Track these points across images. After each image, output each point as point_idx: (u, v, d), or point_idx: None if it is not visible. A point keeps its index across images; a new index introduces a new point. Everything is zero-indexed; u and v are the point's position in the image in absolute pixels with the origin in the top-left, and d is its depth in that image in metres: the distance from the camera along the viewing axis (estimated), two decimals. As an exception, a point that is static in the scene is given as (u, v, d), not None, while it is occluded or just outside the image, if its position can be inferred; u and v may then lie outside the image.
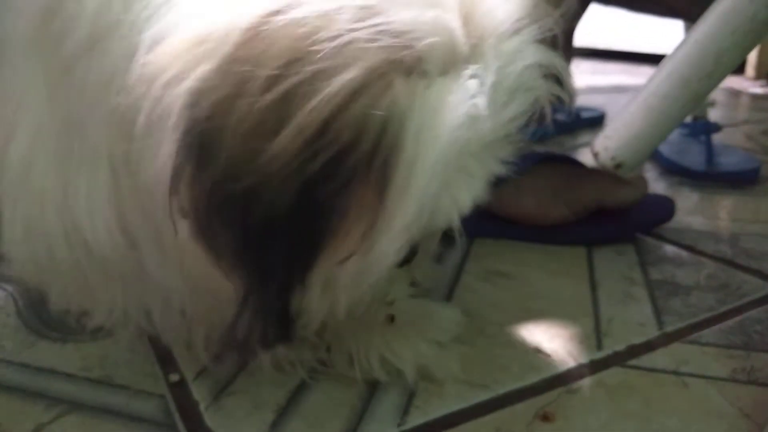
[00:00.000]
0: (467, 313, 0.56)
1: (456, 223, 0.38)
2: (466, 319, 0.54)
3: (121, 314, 0.46)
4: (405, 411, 0.45)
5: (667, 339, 0.55)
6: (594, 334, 0.55)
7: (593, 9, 1.14)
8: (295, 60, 0.31)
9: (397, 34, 0.32)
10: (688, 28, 1.20)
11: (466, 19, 0.34)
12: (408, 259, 0.46)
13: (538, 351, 0.53)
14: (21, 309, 0.56)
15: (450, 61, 0.34)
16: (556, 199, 0.72)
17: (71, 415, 0.44)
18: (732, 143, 1.17)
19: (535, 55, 0.37)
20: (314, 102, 0.30)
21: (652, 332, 0.56)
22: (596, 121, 1.29)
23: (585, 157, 0.82)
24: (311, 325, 0.40)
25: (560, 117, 1.23)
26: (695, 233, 0.78)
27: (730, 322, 0.58)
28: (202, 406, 0.45)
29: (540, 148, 1.08)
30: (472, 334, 0.54)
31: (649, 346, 0.54)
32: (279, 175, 0.31)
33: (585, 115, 1.27)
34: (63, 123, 0.41)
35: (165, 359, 0.50)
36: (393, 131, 0.32)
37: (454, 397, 0.47)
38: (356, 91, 0.31)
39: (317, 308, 0.38)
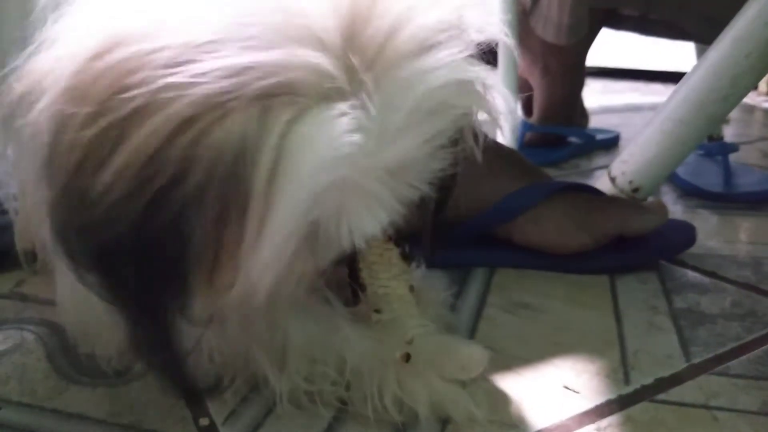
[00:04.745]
0: (492, 348, 0.55)
1: (360, 246, 0.38)
2: (491, 354, 0.54)
3: None
4: (435, 453, 0.45)
5: (695, 371, 0.55)
6: (621, 367, 0.55)
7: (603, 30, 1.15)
8: (115, 96, 0.32)
9: (240, 71, 0.31)
10: (699, 48, 1.20)
11: (348, 45, 0.33)
12: (351, 263, 0.48)
13: (566, 387, 0.52)
14: (51, 353, 0.57)
15: (315, 92, 0.33)
16: (577, 227, 0.72)
17: (104, 463, 0.44)
18: (748, 161, 1.17)
19: (450, 73, 0.35)
20: (134, 137, 0.31)
21: (679, 364, 0.56)
22: (611, 143, 1.29)
23: (601, 180, 0.83)
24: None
25: (575, 139, 1.23)
26: (717, 258, 0.78)
27: (758, 352, 0.58)
28: (232, 451, 0.45)
29: (556, 174, 1.08)
30: (498, 370, 0.54)
31: (677, 379, 0.54)
32: (110, 209, 0.32)
33: (600, 137, 1.27)
34: None
35: (194, 402, 0.50)
36: (228, 162, 0.32)
37: (484, 438, 0.47)
38: (181, 124, 0.31)
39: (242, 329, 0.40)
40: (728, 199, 0.98)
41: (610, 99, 1.80)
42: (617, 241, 0.72)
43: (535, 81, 1.17)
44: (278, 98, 0.32)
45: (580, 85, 1.24)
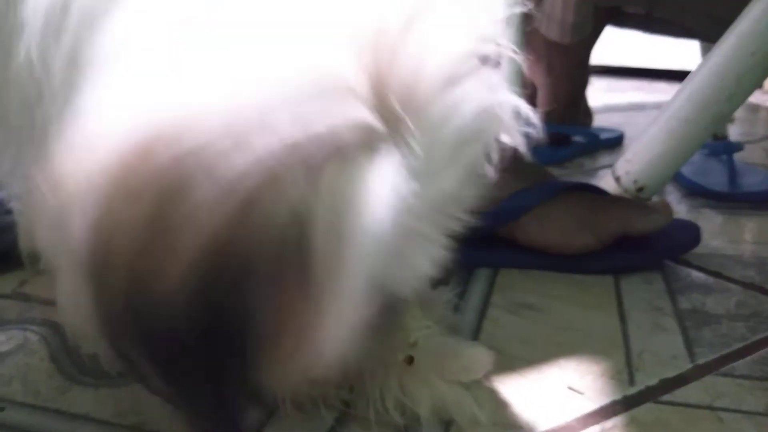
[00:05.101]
0: (495, 349, 0.55)
1: (418, 289, 0.37)
2: (495, 355, 0.54)
3: None
4: (439, 454, 0.45)
5: (699, 372, 0.55)
6: (626, 368, 0.55)
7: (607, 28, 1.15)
8: (168, 194, 0.30)
9: (284, 140, 0.30)
10: (704, 47, 1.20)
11: (378, 90, 0.33)
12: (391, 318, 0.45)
13: (570, 388, 0.52)
14: (54, 353, 0.57)
15: (359, 145, 0.32)
16: (582, 227, 0.72)
17: (107, 464, 0.44)
18: (753, 160, 1.16)
19: (480, 102, 0.35)
20: (195, 234, 0.29)
21: (684, 365, 0.55)
22: (615, 142, 1.28)
23: (605, 179, 0.82)
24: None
25: (579, 139, 1.23)
26: (721, 258, 0.77)
27: (763, 352, 0.57)
28: (235, 452, 0.45)
29: (560, 174, 1.08)
30: (502, 372, 0.54)
31: (681, 380, 0.53)
32: (176, 309, 0.30)
33: (604, 136, 1.27)
34: None
35: (197, 403, 0.50)
36: (293, 233, 0.30)
37: (487, 439, 0.46)
38: (239, 208, 0.29)
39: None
40: (733, 199, 0.97)
41: (614, 98, 1.79)
42: (621, 241, 0.72)
43: (539, 80, 1.16)
44: (324, 158, 0.31)
45: (584, 84, 1.24)
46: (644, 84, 2.07)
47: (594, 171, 1.14)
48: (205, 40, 0.33)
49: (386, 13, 0.33)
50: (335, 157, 0.31)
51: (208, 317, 0.30)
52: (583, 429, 0.48)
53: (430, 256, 0.37)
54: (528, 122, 0.39)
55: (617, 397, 0.51)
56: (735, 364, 0.56)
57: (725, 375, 0.54)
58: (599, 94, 1.76)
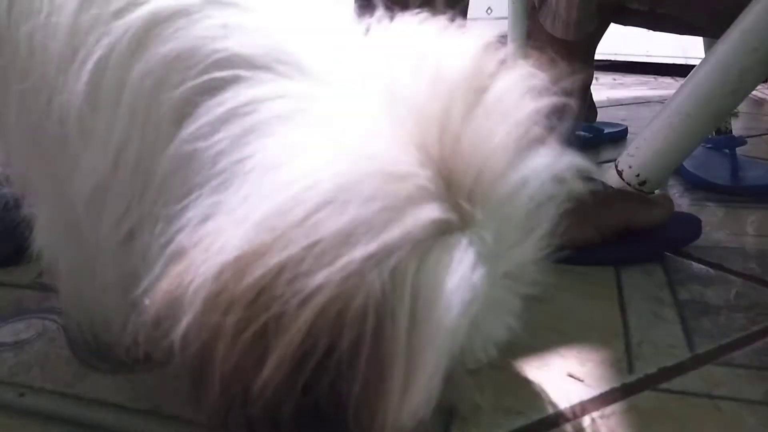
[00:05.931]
0: (499, 338, 0.57)
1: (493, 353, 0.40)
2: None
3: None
4: (443, 438, 0.47)
5: (698, 361, 0.56)
6: (625, 357, 0.56)
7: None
8: (262, 299, 0.33)
9: (365, 247, 0.33)
10: (707, 42, 1.20)
11: (448, 180, 0.35)
12: None
13: (570, 376, 0.54)
14: (72, 340, 0.58)
15: (432, 239, 0.34)
16: (584, 221, 0.73)
17: (125, 446, 0.46)
18: (756, 154, 1.17)
19: (545, 172, 0.37)
20: (285, 331, 0.33)
21: (683, 354, 0.57)
22: (619, 137, 1.29)
23: (609, 173, 0.84)
24: None
25: (584, 133, 1.24)
26: (722, 250, 0.78)
27: (761, 343, 0.59)
28: (248, 436, 0.47)
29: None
30: (504, 359, 0.55)
31: (680, 369, 0.55)
32: (272, 399, 0.33)
33: (608, 130, 1.28)
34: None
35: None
36: (370, 323, 0.33)
37: (490, 425, 0.48)
38: (324, 305, 0.32)
39: None
40: (735, 192, 0.98)
41: (619, 92, 1.80)
42: (624, 234, 0.73)
43: (544, 75, 1.17)
44: (401, 255, 0.33)
45: (588, 80, 1.25)
46: (650, 79, 2.07)
47: (598, 165, 1.15)
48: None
49: (447, 103, 0.35)
50: (409, 253, 0.33)
51: (303, 399, 0.33)
52: (583, 415, 0.49)
53: (504, 322, 0.40)
54: (590, 178, 0.40)
55: (616, 384, 0.53)
56: (734, 353, 0.57)
57: (724, 364, 0.55)
58: (604, 89, 1.77)
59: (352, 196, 0.33)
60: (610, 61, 2.06)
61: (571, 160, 0.38)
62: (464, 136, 0.35)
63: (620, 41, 1.64)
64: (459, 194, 0.35)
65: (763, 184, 1.00)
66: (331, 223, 0.33)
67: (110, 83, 0.39)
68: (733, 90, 0.76)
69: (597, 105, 1.33)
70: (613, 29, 1.15)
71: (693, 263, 0.75)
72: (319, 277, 0.32)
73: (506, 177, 0.36)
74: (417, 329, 0.34)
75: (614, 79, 2.04)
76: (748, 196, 0.97)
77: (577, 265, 0.73)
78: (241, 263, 0.33)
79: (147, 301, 0.35)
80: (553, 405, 0.50)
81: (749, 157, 1.12)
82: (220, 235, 0.34)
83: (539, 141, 0.37)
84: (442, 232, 0.34)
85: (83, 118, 0.40)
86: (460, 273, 0.34)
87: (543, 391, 0.52)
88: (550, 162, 0.37)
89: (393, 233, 0.33)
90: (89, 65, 0.39)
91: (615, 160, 0.84)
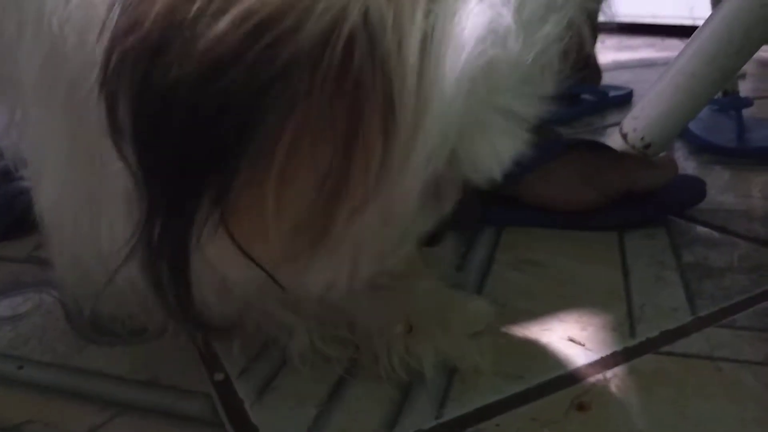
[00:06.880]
0: (499, 303, 0.57)
1: (496, 177, 0.36)
2: (498, 309, 0.55)
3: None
4: (441, 404, 0.46)
5: (700, 323, 0.55)
6: (627, 320, 0.56)
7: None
8: None
9: None
10: (715, 2, 1.17)
11: None
12: (437, 238, 0.45)
13: (571, 340, 0.53)
14: (69, 313, 0.58)
15: None
16: (586, 184, 0.72)
17: (123, 417, 0.46)
18: (763, 116, 1.15)
19: None
20: None
21: (685, 317, 0.56)
22: (624, 100, 1.27)
23: (613, 136, 0.82)
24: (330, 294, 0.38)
25: (588, 97, 1.22)
26: (727, 213, 0.77)
27: (764, 305, 0.58)
28: (246, 404, 0.47)
29: (568, 132, 1.07)
30: (505, 324, 0.55)
31: (682, 332, 0.54)
32: (213, 63, 0.28)
33: (613, 93, 1.25)
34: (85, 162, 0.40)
35: (209, 359, 0.52)
36: (375, 33, 0.28)
37: (489, 389, 0.48)
38: None
39: (329, 279, 0.36)
40: (741, 155, 0.97)
41: (624, 55, 1.77)
42: (626, 197, 0.72)
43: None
44: None
45: (592, 42, 1.22)
46: (657, 41, 2.03)
47: (602, 129, 1.13)
48: None
49: None
50: None
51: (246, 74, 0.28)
52: (584, 379, 0.49)
53: (512, 135, 0.35)
54: None
55: (618, 348, 0.52)
56: (736, 316, 0.56)
57: (726, 326, 0.55)
58: (610, 51, 1.74)
59: None
60: (616, 23, 2.02)
61: None
62: None
63: (626, 2, 1.60)
64: None
65: (770, 146, 0.98)
66: None
67: None
68: (738, 49, 0.73)
69: (602, 68, 1.30)
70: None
71: (697, 226, 0.74)
72: None
73: None
74: (430, 51, 0.29)
75: (620, 41, 2.01)
76: (755, 158, 0.96)
77: (580, 229, 0.73)
78: None
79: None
80: (554, 369, 0.50)
81: (756, 118, 1.10)
82: None
83: None
84: None
85: None
86: (481, 16, 0.30)
87: (544, 355, 0.51)
88: None
89: None
90: None
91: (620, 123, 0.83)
